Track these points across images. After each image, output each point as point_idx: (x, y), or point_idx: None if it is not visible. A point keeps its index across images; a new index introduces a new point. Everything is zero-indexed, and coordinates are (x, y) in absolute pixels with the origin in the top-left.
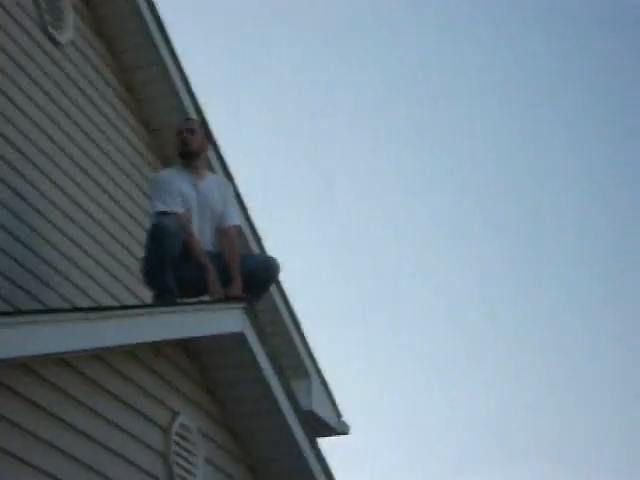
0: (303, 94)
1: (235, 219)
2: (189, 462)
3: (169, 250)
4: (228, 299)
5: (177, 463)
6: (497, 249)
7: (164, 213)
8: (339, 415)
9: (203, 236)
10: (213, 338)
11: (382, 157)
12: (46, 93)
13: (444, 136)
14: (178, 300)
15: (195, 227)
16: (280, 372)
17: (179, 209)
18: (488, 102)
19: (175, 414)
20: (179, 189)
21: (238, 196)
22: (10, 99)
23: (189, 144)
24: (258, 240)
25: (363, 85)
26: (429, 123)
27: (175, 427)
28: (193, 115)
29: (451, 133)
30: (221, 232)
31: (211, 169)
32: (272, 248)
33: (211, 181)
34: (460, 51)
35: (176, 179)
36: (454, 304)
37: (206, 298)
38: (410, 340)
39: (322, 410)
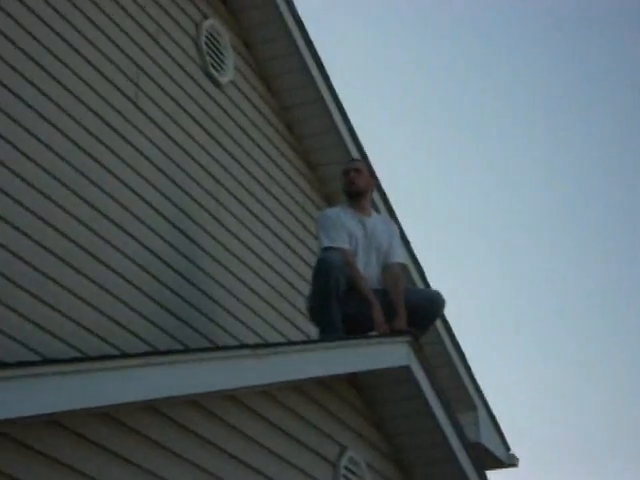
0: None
1: (400, 256)
2: None
3: (334, 285)
4: (393, 333)
5: None
6: None
7: (330, 249)
8: (507, 447)
9: (369, 273)
10: (379, 372)
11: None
12: (208, 133)
13: None
14: (343, 335)
15: (361, 264)
16: (447, 405)
17: (345, 245)
18: None
19: (343, 448)
20: (346, 226)
21: (401, 233)
22: (174, 140)
23: (356, 183)
24: (422, 275)
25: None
26: None
27: (343, 461)
28: (353, 151)
29: None
30: (386, 269)
31: (374, 207)
32: (436, 283)
33: (376, 219)
34: None
35: (343, 216)
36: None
37: (371, 333)
38: (580, 370)
39: (490, 442)
